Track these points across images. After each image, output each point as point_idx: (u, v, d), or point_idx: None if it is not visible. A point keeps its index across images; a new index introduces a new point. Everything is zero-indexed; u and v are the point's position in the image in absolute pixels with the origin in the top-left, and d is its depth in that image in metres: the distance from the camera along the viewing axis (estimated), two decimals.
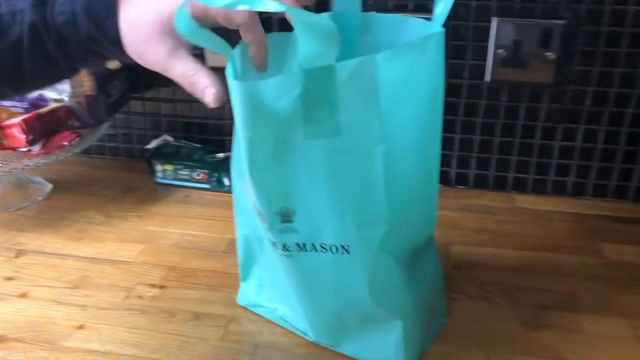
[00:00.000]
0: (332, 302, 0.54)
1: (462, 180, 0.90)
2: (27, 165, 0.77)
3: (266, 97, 0.44)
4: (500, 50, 0.80)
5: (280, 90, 0.44)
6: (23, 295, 0.67)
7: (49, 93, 0.82)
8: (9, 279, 0.70)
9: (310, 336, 0.59)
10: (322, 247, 0.50)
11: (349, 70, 0.43)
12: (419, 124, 0.50)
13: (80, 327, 0.62)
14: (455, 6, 0.77)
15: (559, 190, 0.87)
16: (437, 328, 0.60)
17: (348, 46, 0.55)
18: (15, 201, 0.87)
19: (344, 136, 0.45)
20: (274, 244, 0.52)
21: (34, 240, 0.78)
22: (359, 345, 0.56)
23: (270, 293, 0.61)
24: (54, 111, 0.80)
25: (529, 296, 0.66)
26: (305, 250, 0.51)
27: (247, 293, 0.63)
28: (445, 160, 0.88)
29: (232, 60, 0.46)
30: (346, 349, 0.57)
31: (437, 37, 0.49)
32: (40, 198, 0.88)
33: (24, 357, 0.58)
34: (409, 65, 0.46)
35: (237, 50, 0.49)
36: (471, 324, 0.62)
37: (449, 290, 0.67)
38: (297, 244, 0.51)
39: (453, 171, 0.89)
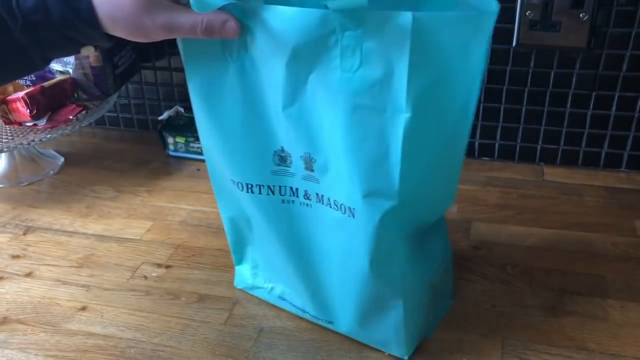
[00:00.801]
0: (334, 270, 0.52)
1: (486, 152, 0.85)
2: (32, 141, 0.76)
3: (305, 29, 0.43)
4: (528, 12, 0.74)
5: (316, 26, 0.42)
6: (29, 275, 0.66)
7: (54, 65, 0.80)
8: (16, 257, 0.69)
9: (310, 312, 0.56)
10: (335, 204, 0.48)
11: (385, 21, 0.40)
12: (452, 103, 0.45)
13: (83, 308, 0.61)
14: None
15: (591, 162, 0.82)
16: (442, 311, 0.57)
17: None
18: (26, 175, 0.85)
19: (369, 94, 0.43)
20: (294, 191, 0.50)
21: (43, 216, 0.77)
22: (358, 325, 0.54)
23: (266, 273, 0.59)
24: (59, 84, 0.78)
25: (552, 279, 0.62)
26: (323, 203, 0.49)
27: (243, 276, 0.61)
28: None
29: None
30: (345, 328, 0.55)
31: (492, 16, 0.43)
32: (52, 172, 0.87)
33: (24, 339, 0.57)
34: (458, 38, 0.41)
35: None
36: (488, 309, 0.58)
37: (466, 272, 0.63)
38: (317, 194, 0.49)
39: (477, 142, 0.84)
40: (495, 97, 0.80)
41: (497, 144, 0.84)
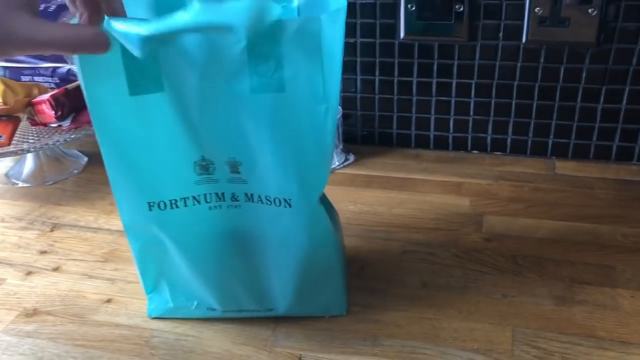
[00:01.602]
0: (270, 259, 0.55)
1: (498, 147, 0.86)
2: (57, 141, 0.79)
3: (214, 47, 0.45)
4: (537, 9, 0.75)
5: (226, 46, 0.45)
6: (56, 269, 0.69)
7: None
8: (43, 252, 0.72)
9: (248, 308, 0.58)
10: (267, 199, 0.51)
11: (295, 27, 0.44)
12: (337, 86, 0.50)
13: (109, 300, 0.63)
14: None
15: (602, 155, 0.83)
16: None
17: None
18: (52, 175, 0.89)
19: (288, 93, 0.47)
20: (220, 196, 0.52)
21: (68, 213, 0.80)
22: (298, 302, 0.57)
23: (186, 291, 0.58)
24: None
25: (562, 270, 0.63)
26: (252, 201, 0.52)
27: (160, 301, 0.60)
28: (481, 126, 0.85)
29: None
30: (284, 310, 0.57)
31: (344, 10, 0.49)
32: (76, 171, 0.90)
33: (54, 330, 0.60)
34: (338, 29, 0.47)
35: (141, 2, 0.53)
36: (499, 299, 0.60)
37: (478, 263, 0.65)
38: (246, 194, 0.52)
39: (489, 137, 0.86)
40: (506, 93, 0.82)
41: (509, 139, 0.85)
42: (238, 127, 0.49)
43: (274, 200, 0.51)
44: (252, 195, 0.52)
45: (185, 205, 0.53)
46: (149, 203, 0.53)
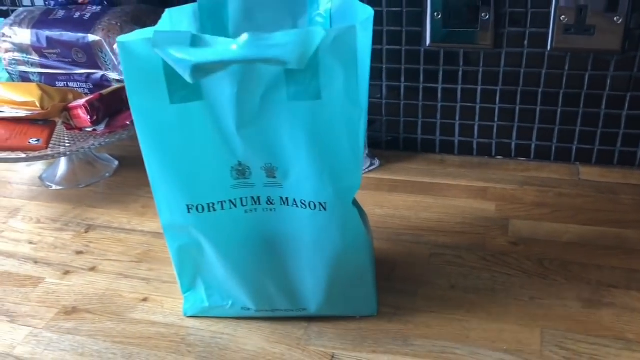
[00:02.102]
0: (304, 261, 0.56)
1: (523, 152, 0.87)
2: (93, 145, 0.81)
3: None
4: (563, 17, 0.76)
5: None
6: (92, 269, 0.71)
7: (112, 74, 0.85)
8: (79, 252, 0.74)
9: (281, 308, 0.60)
10: (302, 202, 0.53)
11: (331, 38, 0.46)
12: (367, 91, 0.53)
13: (145, 299, 0.65)
14: None
15: (626, 161, 0.84)
16: None
17: (225, 34, 0.58)
18: (84, 178, 0.91)
19: (324, 100, 0.48)
20: (255, 199, 0.54)
21: (102, 215, 0.82)
22: (329, 302, 0.58)
23: (222, 291, 0.60)
24: (116, 92, 0.83)
25: (589, 273, 0.64)
26: (288, 205, 0.54)
27: (196, 300, 0.62)
28: (506, 132, 0.86)
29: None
30: (316, 309, 0.59)
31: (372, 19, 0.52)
32: (107, 175, 0.92)
33: (93, 327, 0.62)
34: (368, 36, 0.51)
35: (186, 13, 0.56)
36: (527, 301, 0.61)
37: (505, 266, 0.66)
38: (281, 198, 0.54)
39: (513, 143, 0.87)
40: (531, 100, 0.83)
41: (533, 145, 0.86)
42: (275, 133, 0.51)
43: (309, 204, 0.53)
44: (287, 199, 0.54)
45: (222, 209, 0.55)
46: (187, 206, 0.54)
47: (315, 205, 0.53)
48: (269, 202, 0.55)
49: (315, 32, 0.44)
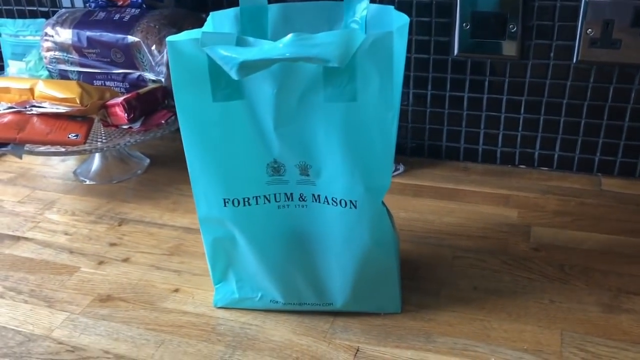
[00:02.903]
0: (333, 256, 0.58)
1: (545, 162, 0.89)
2: (128, 142, 0.84)
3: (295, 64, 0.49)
4: (589, 30, 0.78)
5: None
6: (126, 260, 0.74)
7: (148, 75, 0.88)
8: (113, 244, 0.77)
9: (308, 302, 0.62)
10: (333, 200, 0.56)
11: (369, 42, 0.49)
12: (400, 94, 0.55)
13: (176, 290, 0.68)
14: None
15: None
16: None
17: (264, 37, 0.61)
18: (117, 174, 0.94)
19: (359, 102, 0.51)
20: (288, 196, 0.57)
21: (134, 210, 0.85)
22: (356, 298, 0.61)
23: (252, 283, 0.62)
24: (152, 91, 0.86)
25: (609, 280, 0.65)
26: (319, 202, 0.56)
27: (226, 292, 0.64)
28: (529, 142, 0.88)
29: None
30: (342, 305, 0.61)
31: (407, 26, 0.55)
32: (139, 172, 0.95)
33: (127, 314, 0.64)
34: (403, 42, 0.54)
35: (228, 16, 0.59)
36: (547, 304, 0.62)
37: (526, 271, 0.67)
38: (313, 195, 0.56)
39: (537, 152, 0.89)
40: (555, 110, 0.85)
41: (556, 155, 0.88)
42: (310, 133, 0.53)
43: (340, 202, 0.55)
44: (319, 196, 0.56)
45: (257, 204, 0.57)
46: (224, 199, 0.57)
47: (345, 203, 0.55)
48: (301, 199, 0.57)
49: (356, 34, 0.46)
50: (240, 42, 0.48)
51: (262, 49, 0.46)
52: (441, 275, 0.68)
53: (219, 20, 0.59)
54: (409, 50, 0.87)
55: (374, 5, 0.59)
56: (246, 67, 0.46)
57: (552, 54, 0.81)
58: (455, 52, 0.85)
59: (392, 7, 0.58)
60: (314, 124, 0.53)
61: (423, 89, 0.89)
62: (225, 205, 0.57)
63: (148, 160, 0.98)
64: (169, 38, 0.51)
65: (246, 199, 0.57)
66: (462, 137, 0.91)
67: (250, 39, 0.49)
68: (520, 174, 0.89)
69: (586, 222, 0.76)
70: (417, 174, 0.90)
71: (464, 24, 0.83)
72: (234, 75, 0.46)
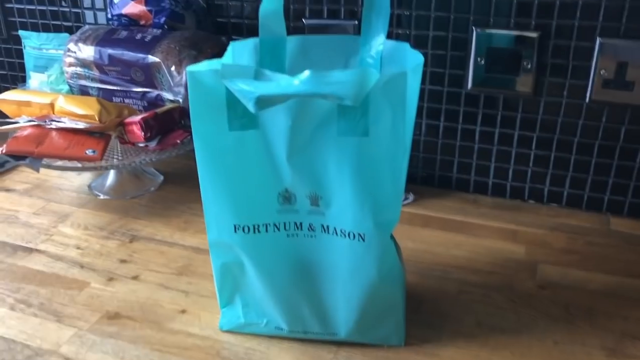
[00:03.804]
0: (339, 287, 0.59)
1: (555, 198, 0.89)
2: (144, 160, 0.85)
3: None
4: (603, 71, 0.79)
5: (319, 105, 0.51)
6: (135, 278, 0.75)
7: (166, 94, 0.90)
8: (123, 261, 0.78)
9: (313, 330, 0.62)
10: (342, 232, 0.56)
11: (384, 81, 0.50)
12: (412, 130, 0.56)
13: (183, 311, 0.69)
14: (558, 26, 0.78)
15: None
16: None
17: (282, 68, 0.62)
18: (131, 190, 0.96)
19: (371, 137, 0.52)
20: (298, 225, 0.58)
21: (145, 227, 0.86)
22: (361, 329, 0.61)
23: (258, 309, 0.63)
24: (169, 111, 0.88)
25: (614, 323, 0.66)
26: (328, 233, 0.57)
27: (232, 316, 0.65)
28: (539, 177, 0.88)
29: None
30: (346, 335, 0.61)
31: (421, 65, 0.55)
32: (152, 189, 0.97)
33: (133, 333, 0.65)
34: (417, 81, 0.55)
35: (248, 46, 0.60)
36: (550, 345, 0.63)
37: (531, 309, 0.68)
38: (322, 225, 0.57)
39: (546, 188, 0.89)
40: (566, 148, 0.85)
41: (565, 192, 0.88)
42: (322, 165, 0.55)
43: (349, 234, 0.56)
44: (328, 227, 0.57)
45: (266, 231, 0.58)
46: (234, 225, 0.58)
47: (354, 236, 0.56)
48: (310, 229, 0.58)
49: (370, 73, 0.47)
50: (258, 75, 0.50)
51: (279, 84, 0.47)
52: (446, 310, 0.68)
53: (239, 50, 0.61)
54: (423, 82, 0.88)
55: (390, 42, 0.60)
56: (263, 101, 0.47)
57: (565, 92, 0.82)
58: (469, 85, 0.86)
59: (407, 44, 0.59)
60: (326, 156, 0.54)
61: (436, 120, 0.90)
62: (235, 231, 0.58)
63: (162, 177, 1.00)
64: (189, 68, 0.52)
65: (256, 226, 0.58)
66: (472, 170, 0.92)
67: (268, 72, 0.50)
68: (529, 209, 0.89)
69: (593, 261, 0.76)
70: (427, 204, 0.91)
71: (479, 59, 0.84)
72: (251, 108, 0.48)
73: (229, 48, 0.60)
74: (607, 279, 0.73)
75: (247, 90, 0.47)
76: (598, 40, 0.78)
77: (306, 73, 0.47)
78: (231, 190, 0.57)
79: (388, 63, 0.60)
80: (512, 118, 0.86)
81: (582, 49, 0.79)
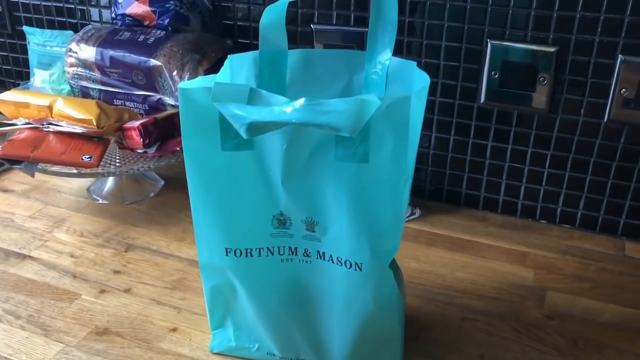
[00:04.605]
0: (334, 315, 0.56)
1: (568, 219, 0.85)
2: (141, 167, 0.83)
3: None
4: (623, 90, 0.75)
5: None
6: (127, 291, 0.73)
7: (168, 99, 0.87)
8: (117, 272, 0.76)
9: (305, 358, 0.60)
10: (338, 260, 0.54)
11: (386, 105, 0.47)
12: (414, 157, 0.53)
13: (174, 329, 0.66)
14: (577, 41, 0.74)
15: None
16: None
17: (282, 82, 0.59)
18: (130, 195, 0.93)
19: (371, 164, 0.49)
20: (293, 250, 0.55)
21: (142, 235, 0.84)
22: (355, 358, 0.58)
23: (250, 333, 0.61)
24: (170, 117, 0.85)
25: (624, 359, 0.62)
26: (324, 260, 0.54)
27: (223, 339, 0.62)
28: (552, 197, 0.85)
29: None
30: None
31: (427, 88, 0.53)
32: (152, 194, 0.94)
33: (121, 352, 0.63)
34: (422, 105, 0.51)
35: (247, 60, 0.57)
36: None
37: (538, 341, 0.64)
38: (318, 252, 0.54)
39: (559, 209, 0.85)
40: (581, 168, 0.81)
41: (579, 213, 0.84)
42: (318, 190, 0.52)
43: (345, 262, 0.53)
44: (324, 253, 0.54)
45: (260, 255, 0.56)
46: (226, 248, 0.55)
47: (351, 264, 0.53)
48: (305, 254, 0.55)
49: (370, 102, 0.44)
50: (252, 97, 0.47)
51: (273, 111, 0.44)
52: (447, 339, 0.65)
53: (237, 64, 0.58)
54: (434, 94, 0.85)
55: (397, 59, 0.57)
56: (255, 128, 0.45)
57: (582, 111, 0.78)
58: (482, 99, 0.83)
59: (414, 63, 0.56)
60: (323, 181, 0.51)
61: (446, 134, 0.87)
62: (227, 255, 0.56)
63: (162, 182, 0.97)
64: (181, 85, 0.50)
65: (249, 250, 0.55)
66: (482, 186, 0.88)
67: (264, 92, 0.47)
68: (540, 229, 0.85)
69: (605, 290, 0.73)
70: (434, 220, 0.87)
71: (493, 72, 0.80)
72: (243, 134, 0.45)
73: (226, 63, 0.57)
74: (620, 310, 0.69)
75: (239, 115, 0.45)
76: (619, 57, 0.74)
77: (301, 101, 0.44)
78: (223, 212, 0.54)
79: (393, 81, 0.57)
80: (526, 134, 0.82)
81: (602, 66, 0.75)
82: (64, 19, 1.08)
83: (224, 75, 0.57)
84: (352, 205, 0.51)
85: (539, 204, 0.86)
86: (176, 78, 0.85)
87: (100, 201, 0.93)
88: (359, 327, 0.56)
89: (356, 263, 0.53)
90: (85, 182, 0.98)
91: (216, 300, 0.60)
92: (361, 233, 0.51)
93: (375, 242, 0.52)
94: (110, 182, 0.95)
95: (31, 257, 0.79)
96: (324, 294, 0.56)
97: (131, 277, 0.75)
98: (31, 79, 1.07)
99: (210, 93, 0.47)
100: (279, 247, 0.55)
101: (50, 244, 0.82)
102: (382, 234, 0.52)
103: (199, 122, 0.50)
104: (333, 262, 0.54)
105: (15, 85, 1.17)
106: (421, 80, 0.52)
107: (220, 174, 0.52)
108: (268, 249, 0.55)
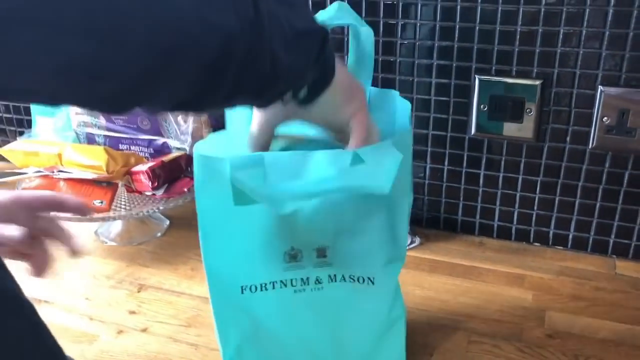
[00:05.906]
0: (355, 330, 0.60)
1: (560, 241, 0.90)
2: (151, 209, 0.86)
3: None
4: (605, 118, 0.80)
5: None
6: (144, 330, 0.75)
7: (172, 142, 0.91)
8: (132, 312, 0.79)
9: None
10: (350, 277, 0.57)
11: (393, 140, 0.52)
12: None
13: None
14: (559, 74, 0.79)
15: None
16: None
17: None
18: (137, 236, 0.96)
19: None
20: (304, 280, 0.58)
21: (153, 275, 0.86)
22: None
23: None
24: (176, 159, 0.89)
25: None
26: (336, 281, 0.58)
27: None
28: (544, 221, 0.89)
29: None
30: None
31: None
32: (159, 234, 0.97)
33: None
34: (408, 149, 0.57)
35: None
36: None
37: (539, 359, 0.68)
38: (329, 276, 0.58)
39: (551, 231, 0.90)
40: (570, 192, 0.86)
41: (570, 235, 0.89)
42: (329, 217, 0.55)
43: (358, 279, 0.57)
44: (335, 275, 0.58)
45: (273, 288, 0.59)
46: (241, 287, 0.58)
47: (363, 280, 0.57)
48: (317, 282, 0.58)
49: (395, 157, 0.49)
50: (269, 166, 0.50)
51: (308, 182, 0.50)
52: None
53: (235, 116, 0.60)
54: (427, 127, 0.89)
55: (375, 89, 0.61)
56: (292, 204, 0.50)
57: (568, 138, 0.83)
58: (473, 131, 0.87)
59: (396, 92, 0.60)
60: (333, 208, 0.55)
61: (440, 164, 0.91)
62: (242, 292, 0.58)
63: (168, 222, 1.00)
64: (197, 150, 0.54)
65: (263, 285, 0.58)
66: (477, 213, 0.92)
67: (280, 158, 0.51)
68: (535, 252, 0.89)
69: (601, 308, 0.77)
70: (433, 248, 0.91)
71: (482, 105, 0.85)
72: (277, 211, 0.50)
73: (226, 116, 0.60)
74: (616, 327, 0.73)
75: (272, 197, 0.49)
76: (599, 88, 0.79)
77: (330, 171, 0.48)
78: (237, 256, 0.57)
79: (376, 110, 0.60)
80: (516, 162, 0.87)
81: (584, 96, 0.80)
82: None
83: (228, 126, 0.60)
84: (363, 225, 0.55)
85: (532, 227, 0.90)
86: (181, 122, 0.89)
87: (108, 243, 0.95)
88: (372, 342, 0.59)
89: (368, 278, 0.57)
90: (92, 225, 1.00)
91: (228, 333, 0.62)
92: (372, 249, 0.56)
93: (385, 254, 0.56)
94: (117, 224, 0.98)
95: (46, 302, 0.81)
96: (335, 314, 0.59)
97: (147, 317, 0.78)
98: (33, 128, 1.09)
99: (224, 163, 0.50)
100: (291, 280, 0.58)
101: (65, 287, 0.84)
102: (390, 245, 0.56)
103: (213, 181, 0.54)
104: (345, 280, 0.57)
105: (19, 133, 1.19)
106: (403, 108, 0.57)
107: (231, 224, 0.56)
108: (281, 282, 0.58)
